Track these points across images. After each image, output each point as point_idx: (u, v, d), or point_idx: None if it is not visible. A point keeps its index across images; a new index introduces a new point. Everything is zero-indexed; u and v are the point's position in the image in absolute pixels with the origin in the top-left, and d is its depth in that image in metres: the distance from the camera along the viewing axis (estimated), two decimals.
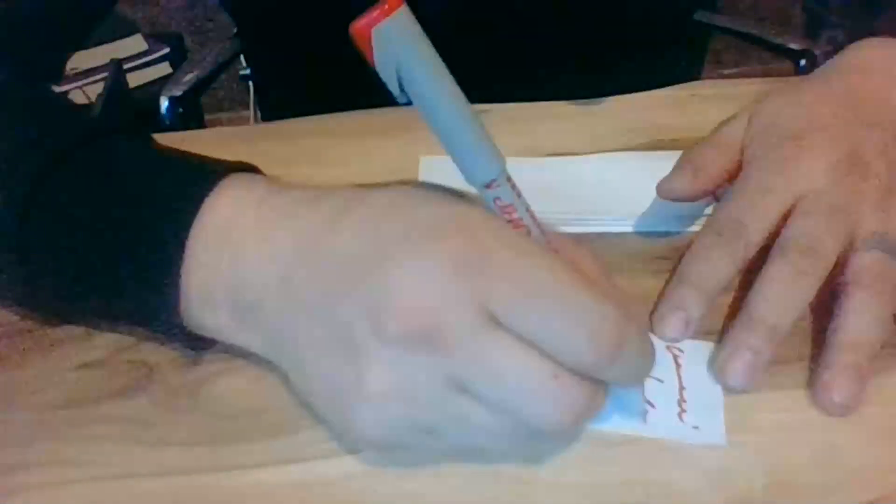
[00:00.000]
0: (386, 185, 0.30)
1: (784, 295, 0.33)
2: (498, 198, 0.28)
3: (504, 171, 0.28)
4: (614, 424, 0.32)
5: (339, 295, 0.28)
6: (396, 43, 0.24)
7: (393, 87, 0.26)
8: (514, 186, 0.28)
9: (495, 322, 0.26)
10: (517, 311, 0.26)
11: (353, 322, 0.27)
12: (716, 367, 0.33)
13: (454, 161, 0.27)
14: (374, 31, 0.24)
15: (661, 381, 0.33)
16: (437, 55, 0.26)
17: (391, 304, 0.26)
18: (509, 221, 0.28)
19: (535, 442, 0.28)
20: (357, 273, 0.27)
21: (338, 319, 0.28)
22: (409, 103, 0.26)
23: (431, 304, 0.26)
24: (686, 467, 0.30)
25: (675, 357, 0.34)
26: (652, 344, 0.28)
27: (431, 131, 0.27)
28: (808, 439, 0.31)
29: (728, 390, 0.33)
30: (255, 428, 0.32)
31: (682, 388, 0.33)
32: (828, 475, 0.30)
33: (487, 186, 0.28)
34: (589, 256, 0.31)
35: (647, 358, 0.28)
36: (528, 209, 0.29)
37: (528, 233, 0.29)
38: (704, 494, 0.29)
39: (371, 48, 0.24)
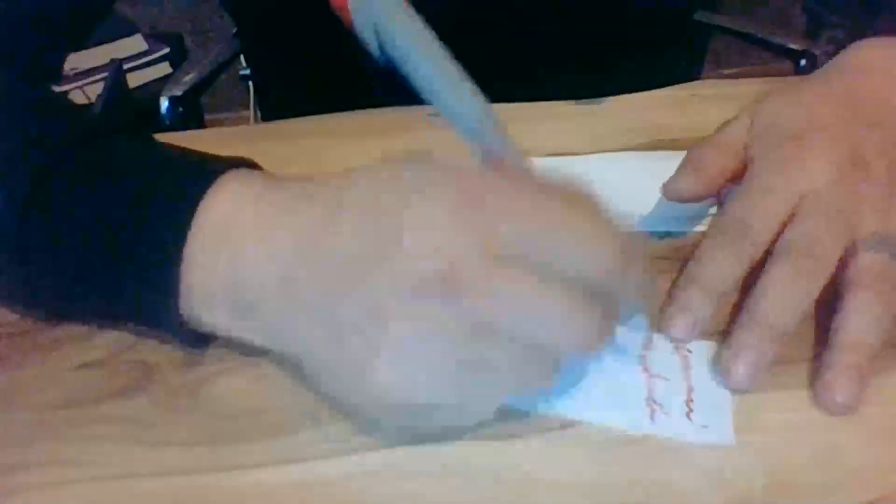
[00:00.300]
0: (368, 169, 0.30)
1: (787, 296, 0.33)
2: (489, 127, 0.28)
3: (488, 105, 0.28)
4: (622, 423, 0.32)
5: (356, 282, 0.28)
6: (372, 2, 0.25)
7: (372, 47, 0.26)
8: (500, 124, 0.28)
9: (505, 257, 0.27)
10: (526, 241, 0.27)
11: (377, 296, 0.27)
12: (720, 367, 0.33)
13: (443, 112, 0.27)
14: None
15: (669, 380, 0.33)
16: (414, 12, 0.26)
17: (406, 260, 0.27)
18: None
19: (557, 369, 0.29)
20: (367, 260, 0.28)
21: (358, 302, 0.28)
22: (389, 64, 0.26)
23: (442, 250, 0.27)
24: (686, 467, 0.30)
25: (685, 357, 0.34)
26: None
27: (416, 87, 0.26)
28: (808, 439, 0.31)
29: (733, 391, 0.33)
30: (255, 428, 0.32)
31: (690, 389, 0.33)
32: (828, 475, 0.30)
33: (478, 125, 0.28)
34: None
35: (646, 272, 0.30)
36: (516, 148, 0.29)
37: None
38: (704, 494, 0.29)
39: (348, 10, 0.24)
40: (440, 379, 0.28)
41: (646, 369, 0.34)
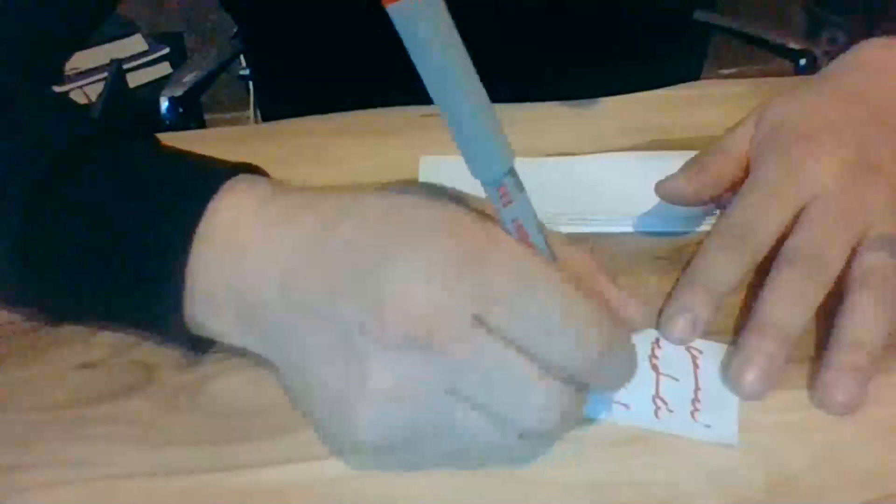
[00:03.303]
0: (383, 185, 0.30)
1: (793, 302, 0.33)
2: (506, 194, 0.27)
3: (513, 168, 0.27)
4: (627, 419, 0.32)
5: (338, 301, 0.28)
6: (418, 22, 0.24)
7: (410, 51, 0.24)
8: (520, 186, 0.28)
9: (490, 327, 0.26)
10: (508, 315, 0.26)
11: (353, 326, 0.27)
12: (730, 375, 0.33)
13: (468, 156, 0.26)
14: (392, 7, 0.23)
15: (676, 379, 0.33)
16: (460, 40, 0.25)
17: (389, 308, 0.26)
18: (517, 227, 0.28)
19: (522, 442, 0.28)
20: (353, 279, 0.28)
21: (338, 324, 0.28)
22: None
23: (426, 307, 0.26)
24: (686, 467, 0.30)
25: (694, 358, 0.34)
26: (635, 352, 0.28)
27: (443, 120, 0.26)
28: (808, 439, 0.31)
29: (744, 398, 0.32)
30: (255, 428, 0.32)
31: (697, 389, 0.33)
32: (828, 475, 0.30)
33: (497, 186, 0.27)
34: (585, 256, 0.31)
35: (632, 365, 0.29)
36: (532, 213, 0.28)
37: (531, 239, 0.28)
38: (704, 494, 0.29)
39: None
40: (414, 428, 0.28)
41: (655, 368, 0.34)
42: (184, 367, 0.35)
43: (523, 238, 0.28)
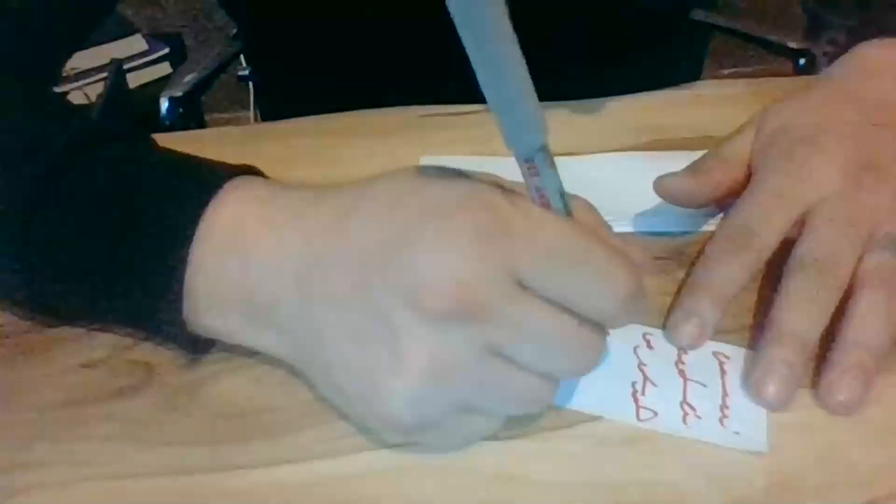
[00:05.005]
0: (386, 175, 0.30)
1: (808, 308, 0.33)
2: (534, 166, 0.28)
3: (546, 144, 0.28)
4: (655, 426, 0.32)
5: (366, 286, 0.28)
6: None
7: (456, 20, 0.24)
8: (551, 161, 0.28)
9: (522, 286, 0.27)
10: (542, 274, 0.27)
11: (389, 307, 0.27)
12: (752, 385, 0.33)
13: (505, 126, 0.26)
14: None
15: (704, 385, 0.33)
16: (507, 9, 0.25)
17: (427, 283, 0.27)
18: (540, 195, 0.29)
19: (554, 387, 0.30)
20: (381, 261, 0.28)
21: (370, 308, 0.28)
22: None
23: (465, 277, 0.27)
24: (686, 468, 0.30)
25: (721, 364, 0.34)
26: (647, 294, 0.30)
27: (486, 90, 0.25)
28: (808, 439, 0.31)
29: (768, 409, 0.32)
30: (255, 428, 0.32)
31: (725, 395, 0.33)
32: (828, 475, 0.30)
33: (530, 158, 0.28)
34: (589, 212, 0.32)
35: (647, 304, 0.31)
36: (558, 184, 0.29)
37: (552, 205, 0.29)
38: (704, 494, 0.29)
39: None
40: (452, 402, 0.28)
41: (682, 374, 0.34)
42: (184, 367, 0.35)
43: (545, 205, 0.29)
